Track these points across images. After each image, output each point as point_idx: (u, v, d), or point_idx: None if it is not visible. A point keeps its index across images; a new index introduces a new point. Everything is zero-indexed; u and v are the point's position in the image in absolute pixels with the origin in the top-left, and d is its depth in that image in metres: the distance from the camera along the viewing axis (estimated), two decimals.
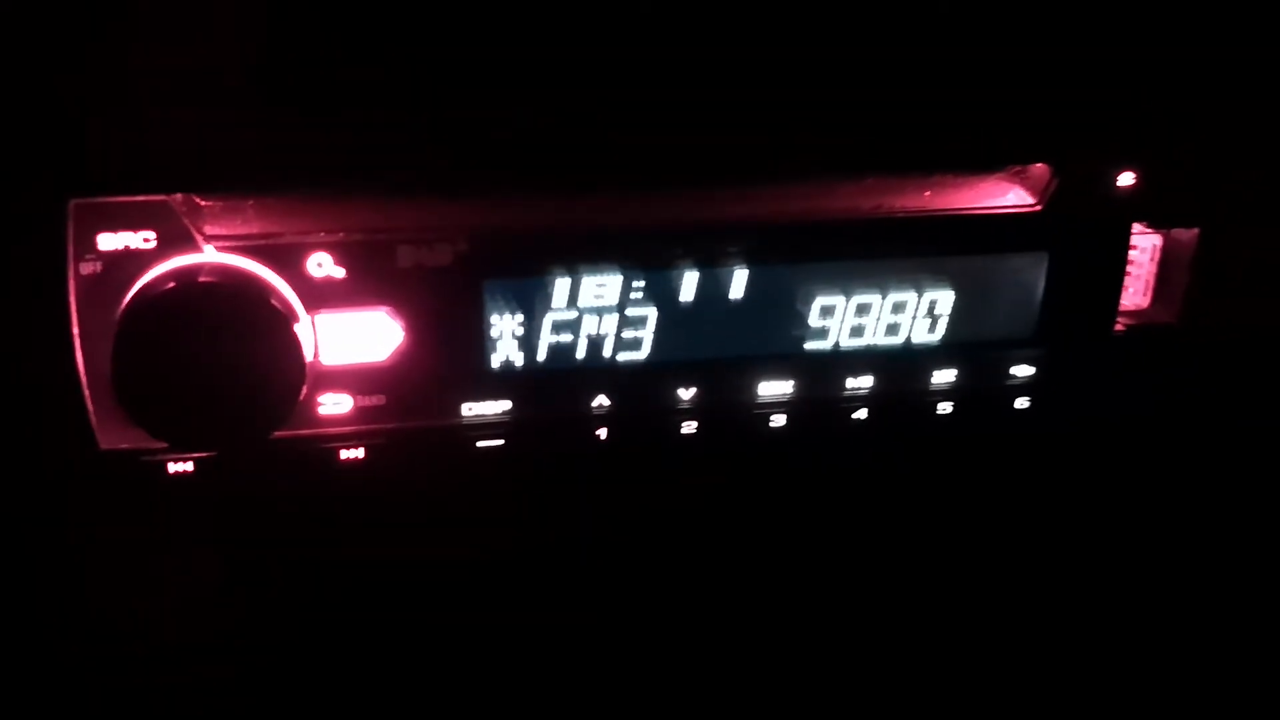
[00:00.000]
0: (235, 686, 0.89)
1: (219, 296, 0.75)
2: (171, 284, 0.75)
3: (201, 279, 0.75)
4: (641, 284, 0.84)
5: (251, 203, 0.79)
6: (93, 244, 0.75)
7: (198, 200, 0.77)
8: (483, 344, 0.83)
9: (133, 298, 0.75)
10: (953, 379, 0.92)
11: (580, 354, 0.85)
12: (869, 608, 0.99)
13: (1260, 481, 1.00)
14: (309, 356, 0.79)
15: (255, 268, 0.77)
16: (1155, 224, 0.91)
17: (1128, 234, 0.90)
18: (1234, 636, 1.01)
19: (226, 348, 0.75)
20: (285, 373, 0.77)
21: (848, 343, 0.89)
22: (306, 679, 0.91)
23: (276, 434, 0.80)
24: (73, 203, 0.74)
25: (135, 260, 0.76)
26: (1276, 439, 0.99)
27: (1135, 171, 0.87)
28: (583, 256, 0.83)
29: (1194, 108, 0.87)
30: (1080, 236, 0.89)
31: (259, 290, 0.77)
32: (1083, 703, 1.00)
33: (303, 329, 0.78)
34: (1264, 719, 0.99)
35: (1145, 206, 0.89)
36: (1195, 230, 0.91)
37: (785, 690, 0.97)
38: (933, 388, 0.92)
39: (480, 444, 0.86)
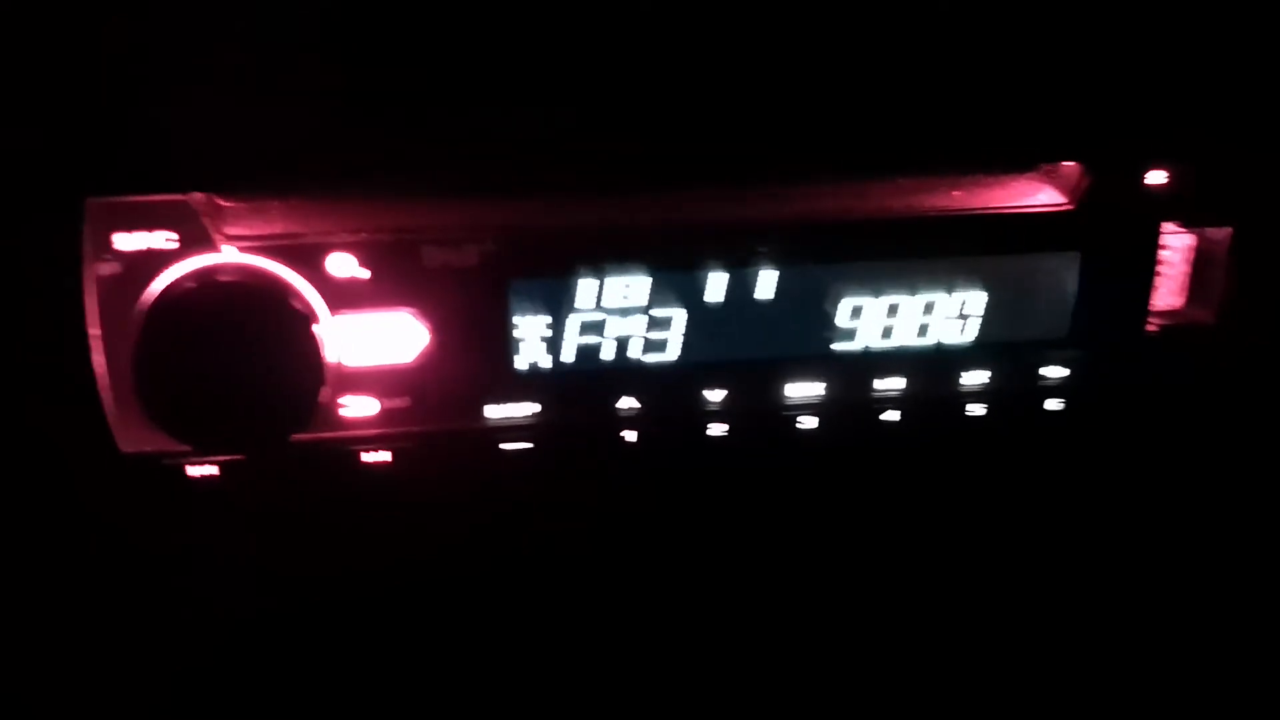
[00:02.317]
0: (258, 690, 0.89)
1: (238, 297, 0.75)
2: (190, 285, 0.75)
3: (220, 279, 0.75)
4: (669, 285, 0.83)
5: (274, 203, 0.78)
6: (109, 244, 0.75)
7: (219, 201, 0.77)
8: (508, 345, 0.83)
9: (153, 299, 0.75)
10: (984, 381, 0.91)
11: (607, 355, 0.85)
12: (899, 610, 0.98)
13: None
14: (331, 358, 0.78)
15: (275, 268, 0.77)
16: (1187, 223, 0.90)
17: (1159, 233, 0.89)
18: (1261, 640, 1.00)
19: (245, 349, 0.75)
20: (304, 374, 0.77)
21: (878, 344, 0.88)
22: (330, 682, 0.91)
23: (300, 437, 0.80)
24: (90, 202, 0.74)
25: (154, 261, 0.75)
26: None
27: (1166, 170, 0.86)
28: (609, 257, 0.82)
29: (1225, 105, 0.86)
30: (1112, 236, 0.88)
31: (279, 291, 0.76)
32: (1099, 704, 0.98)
33: (325, 330, 0.77)
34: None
35: (1176, 205, 0.88)
36: (1228, 229, 0.89)
37: (809, 691, 0.96)
38: (964, 389, 0.91)
39: (506, 446, 0.85)
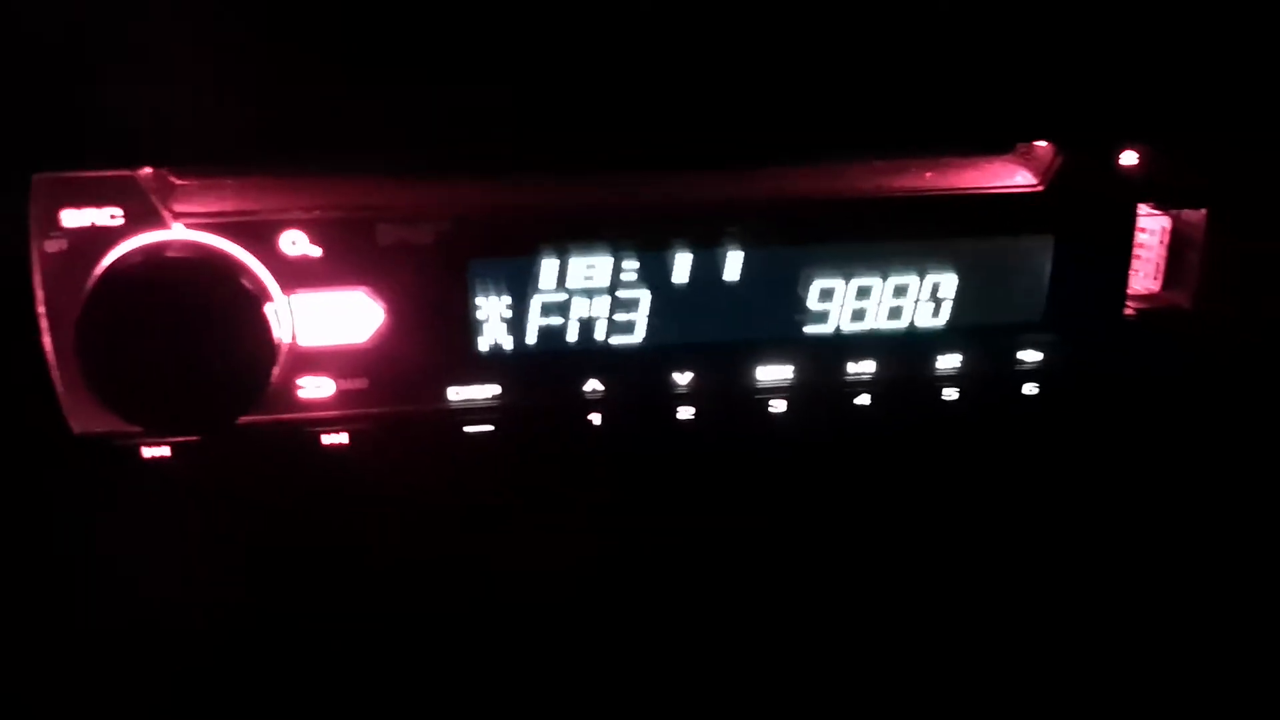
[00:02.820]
0: (213, 673, 0.89)
1: (187, 275, 0.74)
2: (137, 262, 0.74)
3: (168, 256, 0.74)
4: (634, 265, 0.83)
5: (227, 181, 0.78)
6: (56, 221, 0.74)
7: (172, 178, 0.76)
8: (469, 326, 0.82)
9: (99, 276, 0.74)
10: (958, 365, 0.90)
11: (571, 337, 0.84)
12: (870, 596, 0.97)
13: (1277, 468, 0.97)
14: (285, 338, 0.78)
15: (226, 246, 0.76)
16: (1162, 204, 0.89)
17: (1134, 215, 0.88)
18: (1239, 628, 0.99)
19: (194, 328, 0.74)
20: (255, 355, 0.76)
21: (849, 327, 0.87)
22: (288, 666, 0.90)
23: (256, 418, 0.79)
24: (36, 177, 0.73)
25: (102, 238, 0.75)
26: None
27: (1139, 150, 0.85)
28: (572, 236, 0.82)
29: (1198, 86, 0.85)
30: (1086, 218, 0.87)
31: (228, 269, 0.76)
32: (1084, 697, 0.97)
33: (277, 309, 0.77)
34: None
35: (1151, 187, 0.87)
36: (1203, 211, 0.88)
37: (782, 681, 0.95)
38: (937, 373, 0.90)
39: (468, 429, 0.84)
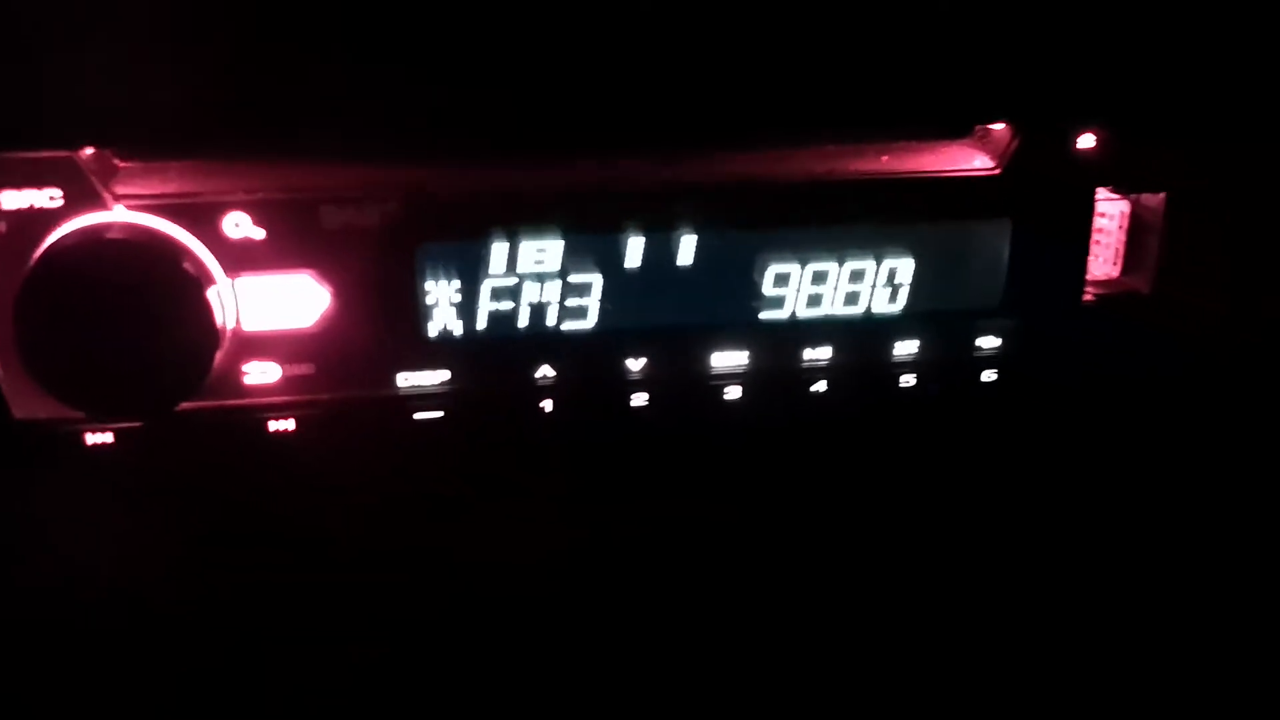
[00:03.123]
0: (157, 660, 0.88)
1: (127, 258, 0.73)
2: (77, 244, 0.73)
3: (108, 238, 0.73)
4: (585, 249, 0.82)
5: (171, 163, 0.77)
6: None
7: (115, 160, 0.76)
8: (418, 311, 0.81)
9: (38, 258, 0.73)
10: (915, 351, 0.89)
11: (522, 322, 0.83)
12: (825, 583, 0.97)
13: (1236, 455, 0.98)
14: (230, 322, 0.77)
15: (167, 228, 0.75)
16: (1120, 188, 0.89)
17: (1092, 199, 0.88)
18: (1202, 613, 0.99)
19: (135, 312, 0.73)
20: (197, 339, 0.75)
21: (804, 312, 0.87)
22: (234, 652, 0.89)
23: (200, 404, 0.79)
24: None
25: (41, 220, 0.74)
26: (1253, 411, 0.96)
27: (1096, 133, 0.85)
28: (522, 220, 0.81)
29: (1157, 67, 0.84)
30: (1043, 202, 0.87)
31: (170, 251, 0.75)
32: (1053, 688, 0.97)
33: (221, 293, 0.76)
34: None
35: (1109, 170, 0.87)
36: (1163, 195, 0.88)
37: (739, 666, 0.95)
38: (895, 360, 0.90)
39: (418, 416, 0.84)
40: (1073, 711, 0.98)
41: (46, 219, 0.74)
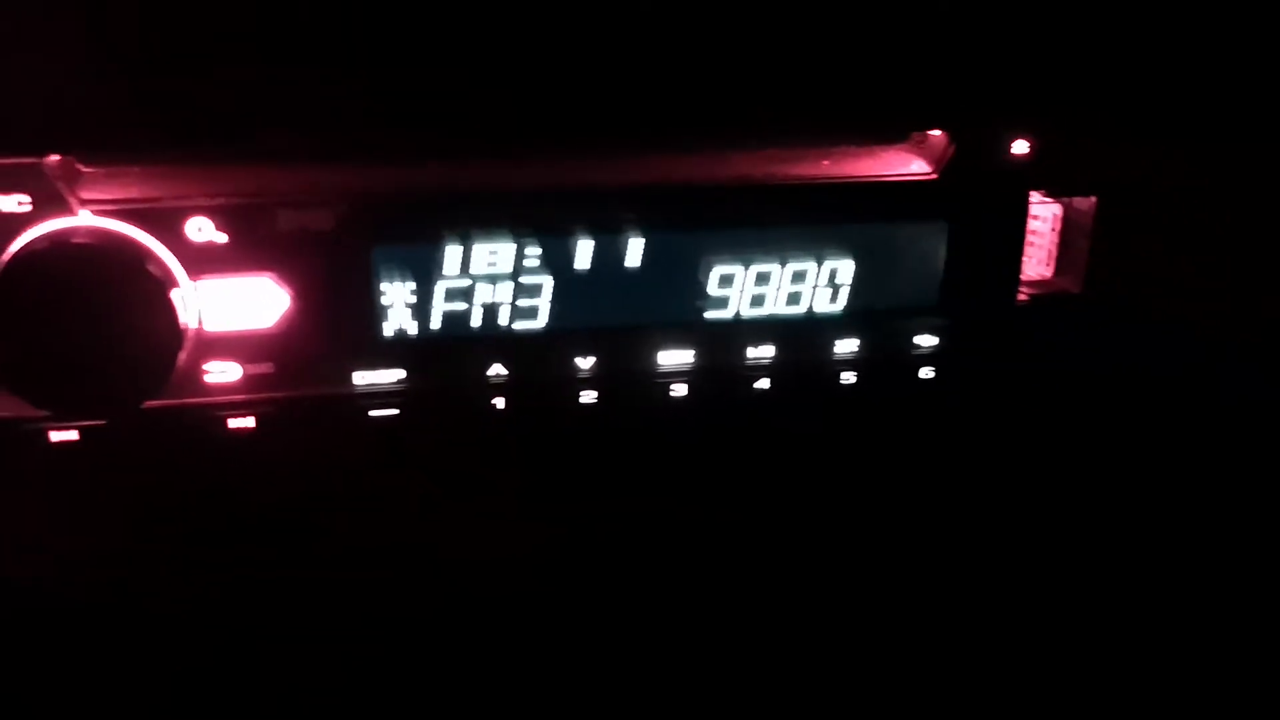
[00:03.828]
0: (121, 656, 0.88)
1: (94, 261, 0.75)
2: (45, 247, 0.75)
3: (76, 242, 0.75)
4: (536, 251, 0.84)
5: (133, 169, 0.78)
6: None
7: (78, 165, 0.77)
8: (374, 311, 0.83)
9: (6, 262, 0.75)
10: (855, 349, 0.92)
11: (475, 322, 0.85)
12: (772, 575, 0.98)
13: (1165, 447, 1.01)
14: (192, 323, 0.79)
15: (132, 232, 0.77)
16: (1053, 193, 0.92)
17: (1026, 203, 0.90)
18: (1143, 603, 1.01)
19: (100, 313, 0.75)
20: (160, 339, 0.77)
21: (748, 312, 0.89)
22: (196, 647, 0.90)
23: (163, 402, 0.80)
24: None
25: (9, 224, 0.76)
26: (1184, 407, 0.99)
27: (1030, 140, 0.88)
28: (474, 222, 0.83)
29: (1088, 77, 0.87)
30: (979, 205, 0.89)
31: (134, 255, 0.76)
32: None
33: (184, 295, 0.78)
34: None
35: (1042, 175, 0.89)
36: (1093, 199, 0.91)
37: (669, 653, 0.96)
38: (836, 357, 0.92)
39: (373, 413, 0.85)
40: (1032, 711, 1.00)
41: (14, 223, 0.75)
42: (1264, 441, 1.02)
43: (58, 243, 0.75)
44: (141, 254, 0.76)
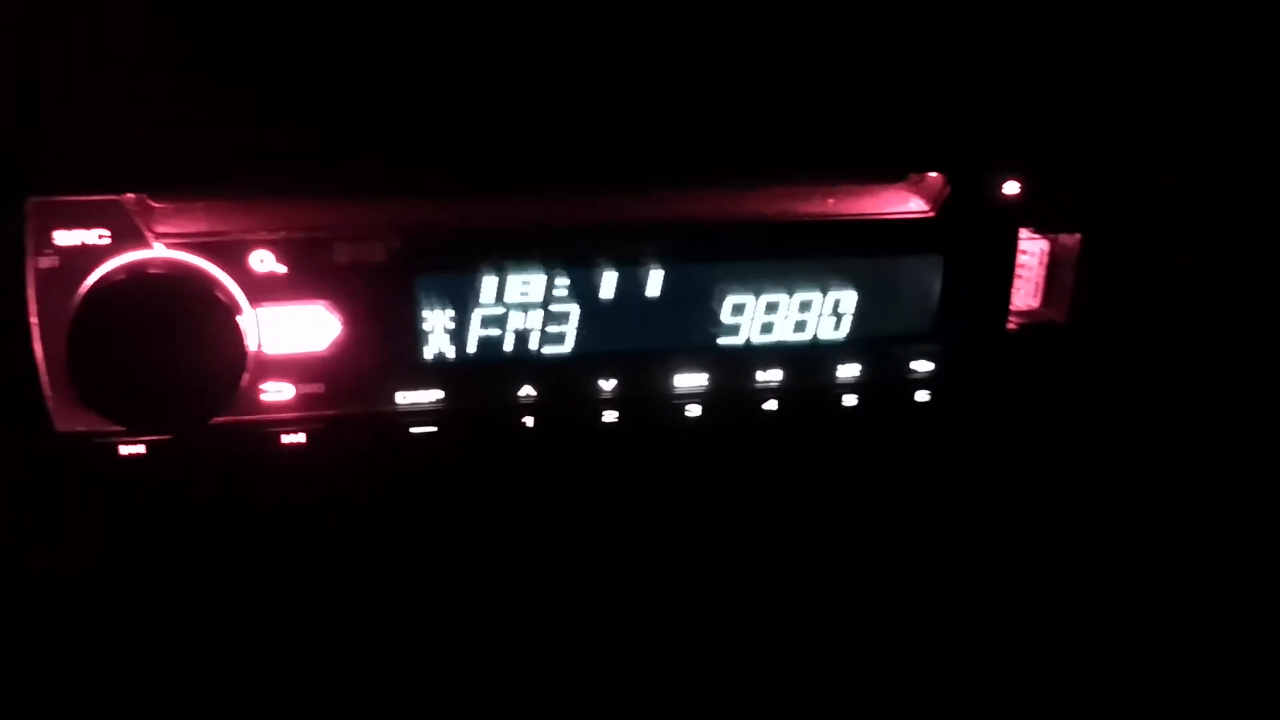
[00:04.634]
0: (185, 661, 0.94)
1: (167, 289, 0.81)
2: (123, 277, 0.80)
3: (151, 272, 0.81)
4: (565, 282, 0.89)
5: (198, 204, 0.84)
6: (50, 240, 0.80)
7: (149, 201, 0.82)
8: (416, 336, 0.88)
9: (88, 290, 0.80)
10: (857, 373, 0.97)
11: (508, 347, 0.90)
12: (777, 587, 1.05)
13: (1142, 463, 1.07)
14: (252, 346, 0.84)
15: (201, 263, 0.82)
16: (1041, 229, 0.97)
17: (1015, 239, 0.96)
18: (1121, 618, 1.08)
19: (173, 337, 0.81)
20: (228, 360, 0.83)
21: (758, 338, 0.95)
22: (252, 654, 0.96)
23: (222, 419, 0.85)
24: (31, 201, 0.79)
25: (90, 255, 0.81)
26: (1159, 426, 1.05)
27: (1020, 181, 0.93)
28: (509, 255, 0.88)
29: (1073, 123, 0.93)
30: (972, 241, 0.95)
31: (205, 283, 0.82)
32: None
33: (246, 320, 0.83)
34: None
35: (1031, 213, 0.95)
36: (1078, 235, 0.97)
37: (692, 666, 1.03)
38: (838, 381, 0.97)
39: (413, 430, 0.91)
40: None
41: (95, 254, 0.81)
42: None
43: (135, 272, 0.81)
44: (211, 283, 0.82)
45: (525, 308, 0.90)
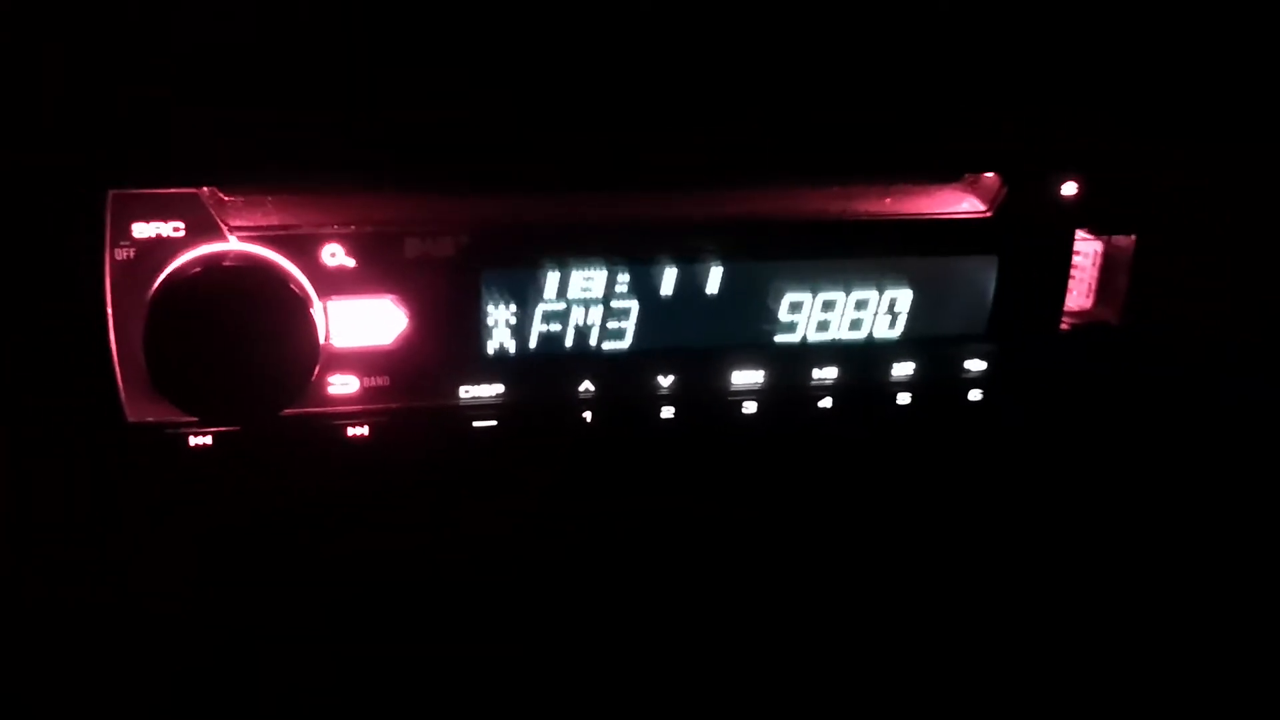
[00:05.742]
0: (246, 650, 0.95)
1: (241, 281, 0.82)
2: (199, 269, 0.81)
3: (226, 265, 0.82)
4: (625, 278, 0.90)
5: (268, 198, 0.85)
6: (128, 231, 0.81)
7: (222, 195, 0.83)
8: (479, 331, 0.89)
9: (163, 282, 0.81)
10: (911, 372, 0.98)
11: (569, 342, 0.91)
12: (832, 584, 1.05)
13: (1192, 466, 1.07)
14: (321, 339, 0.85)
15: (274, 256, 0.83)
16: (1096, 231, 0.98)
17: (1071, 240, 0.97)
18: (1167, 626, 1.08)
19: (248, 329, 0.82)
20: (300, 353, 0.84)
21: (814, 336, 0.95)
22: (310, 647, 0.96)
23: (289, 411, 0.86)
24: (111, 193, 0.80)
25: (165, 247, 0.82)
26: (1209, 428, 1.06)
27: (1077, 182, 0.94)
28: (572, 251, 0.89)
29: (1131, 125, 0.94)
30: (1028, 241, 0.96)
31: (278, 276, 0.83)
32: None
33: (316, 314, 0.84)
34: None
35: (1087, 214, 0.96)
36: (1133, 237, 0.97)
37: (745, 665, 1.02)
38: (892, 380, 0.98)
39: (476, 424, 0.92)
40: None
41: (171, 246, 0.82)
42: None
43: (210, 265, 0.82)
44: (284, 275, 0.83)
45: (586, 304, 0.91)
